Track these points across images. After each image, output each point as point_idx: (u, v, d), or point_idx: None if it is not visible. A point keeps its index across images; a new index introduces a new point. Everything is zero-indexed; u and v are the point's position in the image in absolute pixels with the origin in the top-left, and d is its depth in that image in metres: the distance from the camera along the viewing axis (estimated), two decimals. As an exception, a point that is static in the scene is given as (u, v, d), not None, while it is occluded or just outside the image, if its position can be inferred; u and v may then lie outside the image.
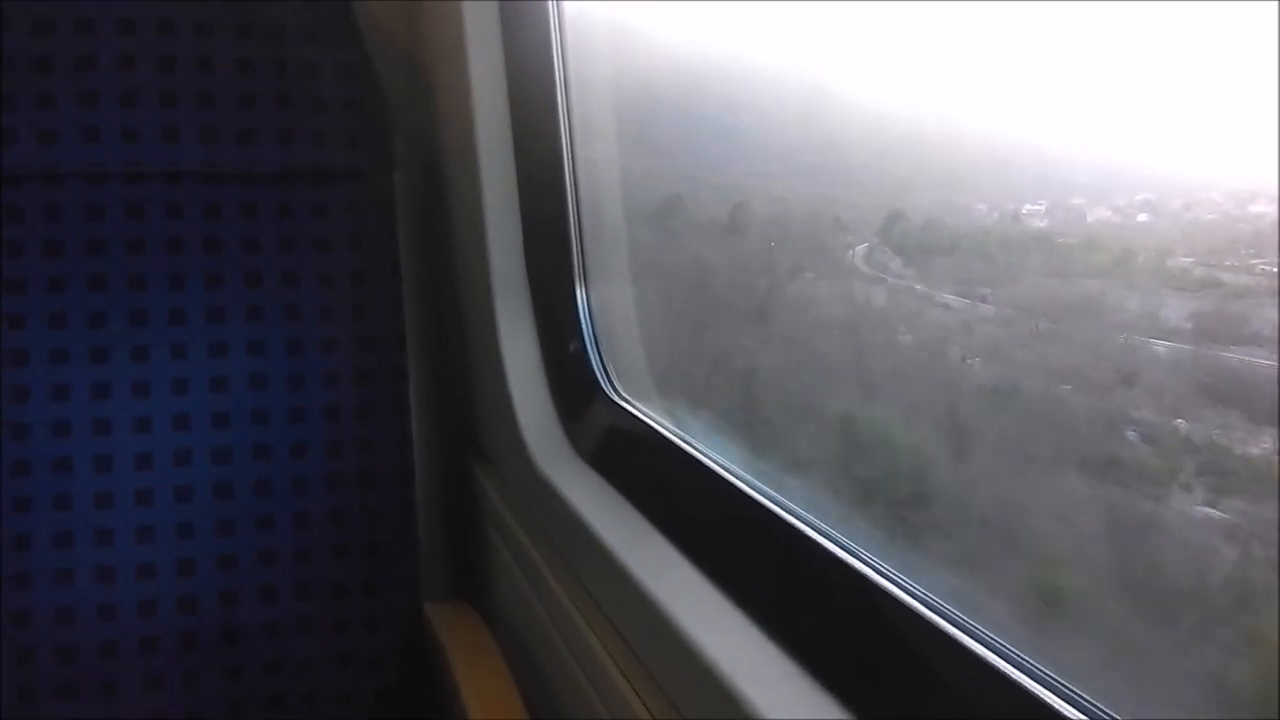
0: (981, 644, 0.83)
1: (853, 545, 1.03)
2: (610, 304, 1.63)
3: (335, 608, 1.78)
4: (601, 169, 1.62)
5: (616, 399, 1.54)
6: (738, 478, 1.21)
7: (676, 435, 1.36)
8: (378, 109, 1.79)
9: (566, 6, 1.60)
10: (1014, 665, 0.80)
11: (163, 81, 1.69)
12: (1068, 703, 0.75)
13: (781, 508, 1.14)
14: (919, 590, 0.94)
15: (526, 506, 1.62)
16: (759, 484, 1.19)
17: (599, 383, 1.57)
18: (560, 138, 1.60)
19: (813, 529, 1.08)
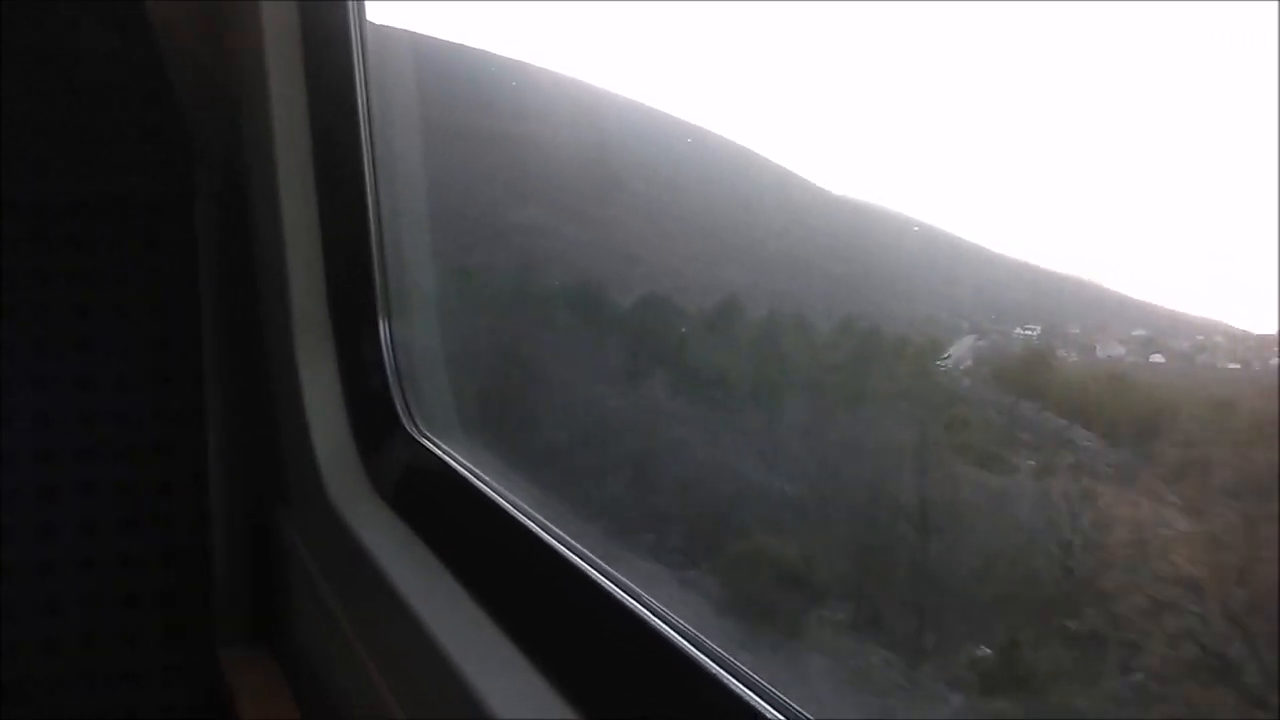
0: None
1: (640, 590, 1.02)
2: (415, 339, 1.59)
3: (126, 659, 1.69)
4: (405, 203, 1.59)
5: (417, 436, 1.50)
6: (528, 516, 1.19)
7: (471, 472, 1.33)
8: (179, 138, 1.72)
9: (371, 33, 1.56)
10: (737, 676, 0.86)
11: None
12: (768, 703, 0.82)
13: (571, 550, 1.12)
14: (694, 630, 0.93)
15: (324, 548, 1.57)
16: (550, 524, 1.17)
17: (400, 420, 1.53)
18: (364, 170, 1.56)
19: (608, 577, 1.06)
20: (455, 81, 1.64)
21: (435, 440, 1.47)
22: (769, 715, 0.81)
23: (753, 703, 0.83)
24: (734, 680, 0.86)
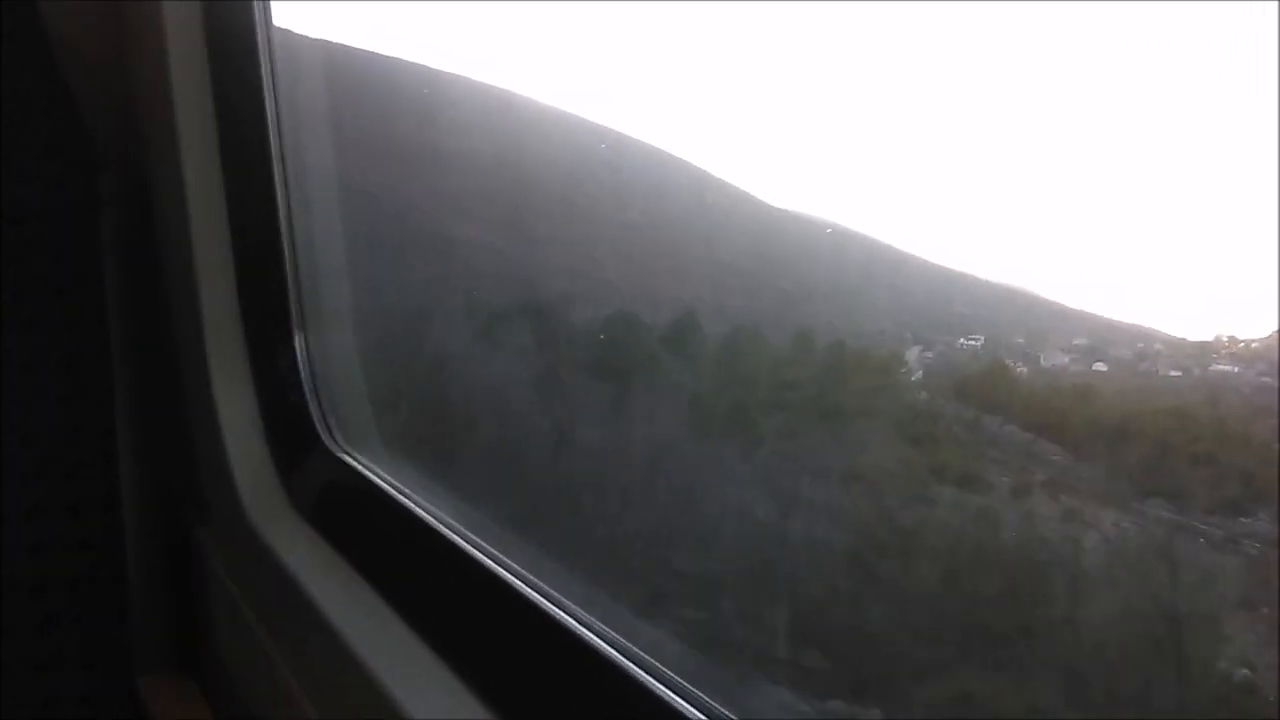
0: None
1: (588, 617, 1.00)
2: (331, 351, 1.55)
3: (43, 687, 1.63)
4: (320, 212, 1.55)
5: (337, 451, 1.46)
6: (451, 529, 1.16)
7: (393, 487, 1.30)
8: (80, 146, 1.66)
9: (282, 39, 1.52)
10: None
11: None
12: (689, 702, 0.82)
13: (495, 561, 1.09)
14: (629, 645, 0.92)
15: (244, 568, 1.53)
16: (473, 536, 1.15)
17: (319, 436, 1.49)
18: (275, 178, 1.52)
19: (531, 586, 1.04)
20: (367, 89, 1.60)
21: (356, 456, 1.44)
22: (689, 715, 0.81)
23: (673, 703, 0.83)
24: (654, 681, 0.85)
